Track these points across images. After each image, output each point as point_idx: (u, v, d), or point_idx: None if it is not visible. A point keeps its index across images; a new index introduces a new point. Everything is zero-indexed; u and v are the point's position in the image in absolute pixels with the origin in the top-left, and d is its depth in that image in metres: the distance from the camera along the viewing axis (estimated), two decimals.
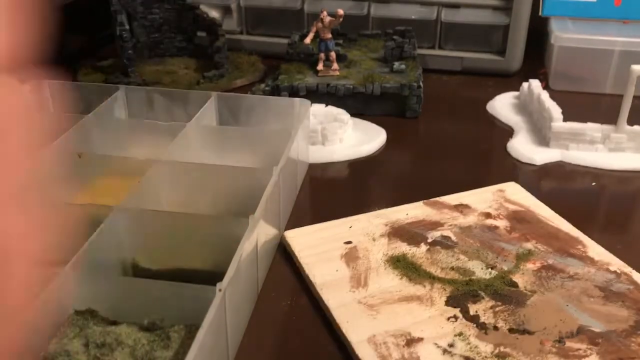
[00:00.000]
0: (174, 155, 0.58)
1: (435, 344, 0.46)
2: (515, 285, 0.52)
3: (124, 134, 0.65)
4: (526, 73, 0.96)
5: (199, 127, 0.64)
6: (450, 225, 0.60)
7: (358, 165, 0.73)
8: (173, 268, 0.50)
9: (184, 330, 0.41)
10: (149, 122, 0.65)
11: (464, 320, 0.48)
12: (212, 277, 0.43)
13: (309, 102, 0.69)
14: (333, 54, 0.86)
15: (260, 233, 0.49)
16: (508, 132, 0.81)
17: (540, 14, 0.96)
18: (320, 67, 0.86)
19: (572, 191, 0.68)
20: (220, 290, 0.40)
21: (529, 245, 0.57)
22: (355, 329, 0.47)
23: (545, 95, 0.79)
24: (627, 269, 0.53)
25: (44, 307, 0.40)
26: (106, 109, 0.68)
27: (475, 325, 0.47)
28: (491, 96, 0.90)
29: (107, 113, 0.69)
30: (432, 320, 0.48)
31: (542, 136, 0.78)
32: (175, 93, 0.71)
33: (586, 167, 0.73)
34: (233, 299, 0.43)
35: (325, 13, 0.84)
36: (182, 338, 0.41)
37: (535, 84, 0.83)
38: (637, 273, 0.53)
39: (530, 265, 0.54)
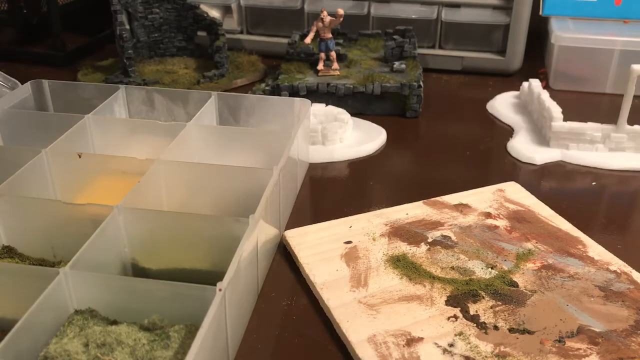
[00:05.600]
0: (174, 155, 0.58)
1: (436, 343, 0.46)
2: (515, 285, 0.52)
3: (124, 133, 0.65)
4: (526, 73, 0.96)
5: (199, 126, 0.64)
6: (450, 225, 0.60)
7: (358, 165, 0.73)
8: (173, 268, 0.50)
9: (184, 330, 0.41)
10: (149, 121, 0.65)
11: (464, 320, 0.48)
12: (212, 277, 0.43)
13: (309, 101, 0.69)
14: (333, 54, 0.86)
15: (260, 233, 0.49)
16: (508, 131, 0.81)
17: (540, 13, 0.96)
18: (320, 66, 0.86)
19: (572, 191, 0.68)
20: (220, 290, 0.40)
21: (529, 245, 0.57)
22: (355, 328, 0.47)
23: (545, 95, 0.79)
24: (627, 269, 0.53)
25: (45, 307, 0.40)
26: (106, 108, 0.68)
27: (475, 324, 0.47)
28: (491, 96, 0.90)
29: (107, 113, 0.69)
30: (432, 319, 0.48)
31: (542, 136, 0.78)
32: (175, 93, 0.71)
33: (586, 166, 0.73)
34: (233, 299, 0.43)
35: (325, 13, 0.84)
36: (182, 338, 0.41)
37: (535, 83, 0.83)
38: (637, 273, 0.53)
39: (531, 265, 0.54)
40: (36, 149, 0.57)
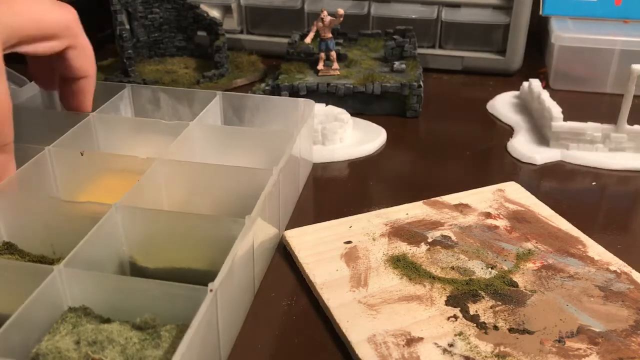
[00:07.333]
0: (175, 154, 0.58)
1: (435, 343, 0.45)
2: (515, 285, 0.51)
3: (128, 132, 0.64)
4: (526, 72, 0.96)
5: (201, 126, 0.64)
6: (450, 224, 0.59)
7: (358, 165, 0.73)
8: (171, 267, 0.50)
9: (175, 330, 0.41)
10: (153, 120, 0.65)
11: (464, 320, 0.48)
12: (210, 276, 0.43)
13: (313, 102, 0.68)
14: (333, 54, 0.86)
15: (257, 233, 0.49)
16: (508, 131, 0.81)
17: (540, 13, 0.96)
18: (320, 66, 0.86)
19: (572, 191, 0.68)
20: (211, 290, 0.40)
21: (529, 245, 0.57)
22: (355, 328, 0.47)
23: (545, 95, 0.79)
24: (627, 269, 0.53)
25: (38, 304, 0.40)
26: (111, 107, 0.68)
27: (475, 324, 0.47)
28: (491, 95, 0.90)
29: (112, 111, 0.68)
30: (432, 319, 0.48)
31: (542, 136, 0.78)
32: (181, 92, 0.71)
33: (586, 166, 0.72)
34: (226, 299, 0.43)
35: (325, 12, 0.84)
36: (173, 337, 0.40)
37: (535, 83, 0.83)
38: (637, 273, 0.53)
39: (530, 265, 0.54)
40: (39, 147, 0.57)
